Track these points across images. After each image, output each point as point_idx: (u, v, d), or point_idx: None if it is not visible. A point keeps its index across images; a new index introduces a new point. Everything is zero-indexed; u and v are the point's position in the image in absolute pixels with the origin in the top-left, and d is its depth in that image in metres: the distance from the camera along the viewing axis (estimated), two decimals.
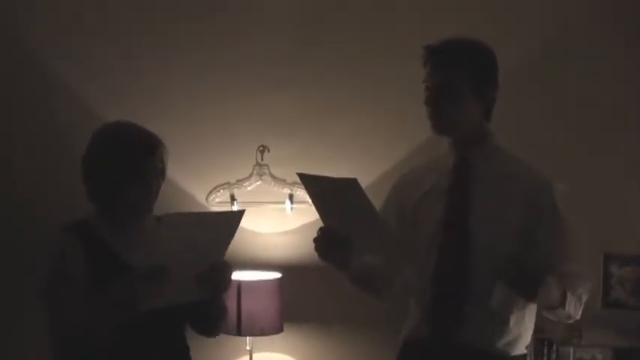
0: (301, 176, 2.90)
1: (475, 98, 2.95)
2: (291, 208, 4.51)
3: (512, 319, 2.92)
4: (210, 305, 2.94)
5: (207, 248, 2.76)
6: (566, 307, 2.83)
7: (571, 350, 4.03)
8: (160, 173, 2.88)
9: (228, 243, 2.84)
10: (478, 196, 2.95)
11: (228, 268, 2.86)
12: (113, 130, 2.88)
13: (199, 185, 4.56)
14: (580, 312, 2.94)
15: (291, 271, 4.40)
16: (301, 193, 4.32)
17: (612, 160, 4.35)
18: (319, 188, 2.89)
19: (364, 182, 3.97)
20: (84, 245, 2.75)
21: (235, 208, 4.46)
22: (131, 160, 2.79)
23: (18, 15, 4.47)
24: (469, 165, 3.01)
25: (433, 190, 3.04)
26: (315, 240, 2.88)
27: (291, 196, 4.49)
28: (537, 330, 3.39)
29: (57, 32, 4.49)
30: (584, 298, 2.94)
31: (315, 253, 2.91)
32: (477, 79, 2.94)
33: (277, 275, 4.37)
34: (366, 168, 4.36)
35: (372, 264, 3.07)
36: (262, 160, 4.51)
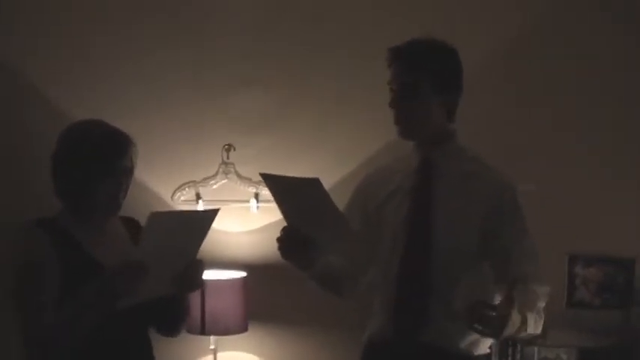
0: (264, 176, 2.88)
1: (439, 99, 2.95)
2: (257, 207, 4.50)
3: None
4: (177, 305, 2.93)
5: (184, 246, 2.77)
6: (528, 329, 2.84)
7: (535, 350, 4.04)
8: (130, 172, 2.86)
9: (202, 241, 2.84)
10: (441, 197, 2.96)
11: (202, 266, 2.86)
12: (84, 130, 2.84)
13: (165, 183, 4.53)
14: (541, 325, 2.94)
15: (256, 270, 4.39)
16: (267, 192, 4.27)
17: (578, 160, 4.36)
18: (282, 188, 2.87)
19: (330, 181, 3.99)
20: (53, 241, 2.72)
21: (201, 206, 4.45)
22: (102, 160, 2.77)
23: None
24: (432, 165, 3.01)
25: (397, 191, 3.04)
26: (278, 239, 2.86)
27: (256, 195, 4.48)
28: None
29: (22, 32, 4.46)
30: (543, 305, 2.94)
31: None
32: (441, 80, 2.94)
33: (242, 274, 4.35)
34: (333, 167, 4.37)
35: (335, 264, 3.06)
36: (228, 158, 4.49)
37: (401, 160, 3.13)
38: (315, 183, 2.68)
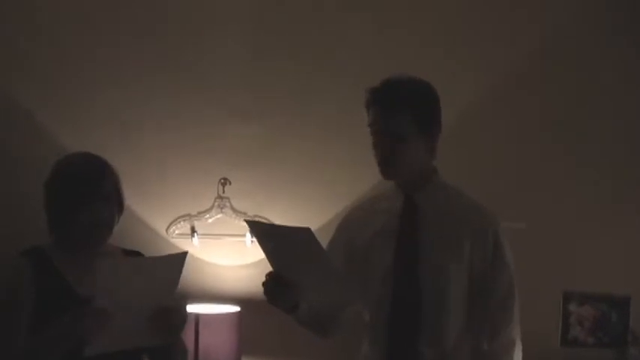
0: (249, 223, 2.84)
1: (421, 138, 2.92)
2: (252, 241, 4.47)
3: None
4: (169, 347, 2.89)
5: (152, 293, 2.71)
6: None
7: None
8: (113, 199, 2.86)
9: (175, 286, 2.78)
10: (428, 238, 2.94)
11: (177, 312, 2.80)
12: (64, 163, 2.87)
13: (160, 216, 4.51)
14: None
15: (250, 304, 4.35)
16: None
17: (572, 197, 4.36)
18: (268, 236, 2.84)
19: (327, 216, 3.99)
20: (35, 271, 2.73)
21: (196, 239, 4.43)
22: (77, 192, 2.78)
23: None
24: (416, 205, 2.98)
25: (383, 232, 3.00)
26: (264, 284, 2.81)
27: None
28: None
29: (17, 59, 4.49)
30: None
31: None
32: (423, 117, 2.92)
33: (236, 309, 4.33)
34: (329, 201, 4.32)
35: (318, 305, 3.00)
36: (224, 192, 4.49)
37: (383, 198, 3.12)
38: (306, 232, 2.63)
